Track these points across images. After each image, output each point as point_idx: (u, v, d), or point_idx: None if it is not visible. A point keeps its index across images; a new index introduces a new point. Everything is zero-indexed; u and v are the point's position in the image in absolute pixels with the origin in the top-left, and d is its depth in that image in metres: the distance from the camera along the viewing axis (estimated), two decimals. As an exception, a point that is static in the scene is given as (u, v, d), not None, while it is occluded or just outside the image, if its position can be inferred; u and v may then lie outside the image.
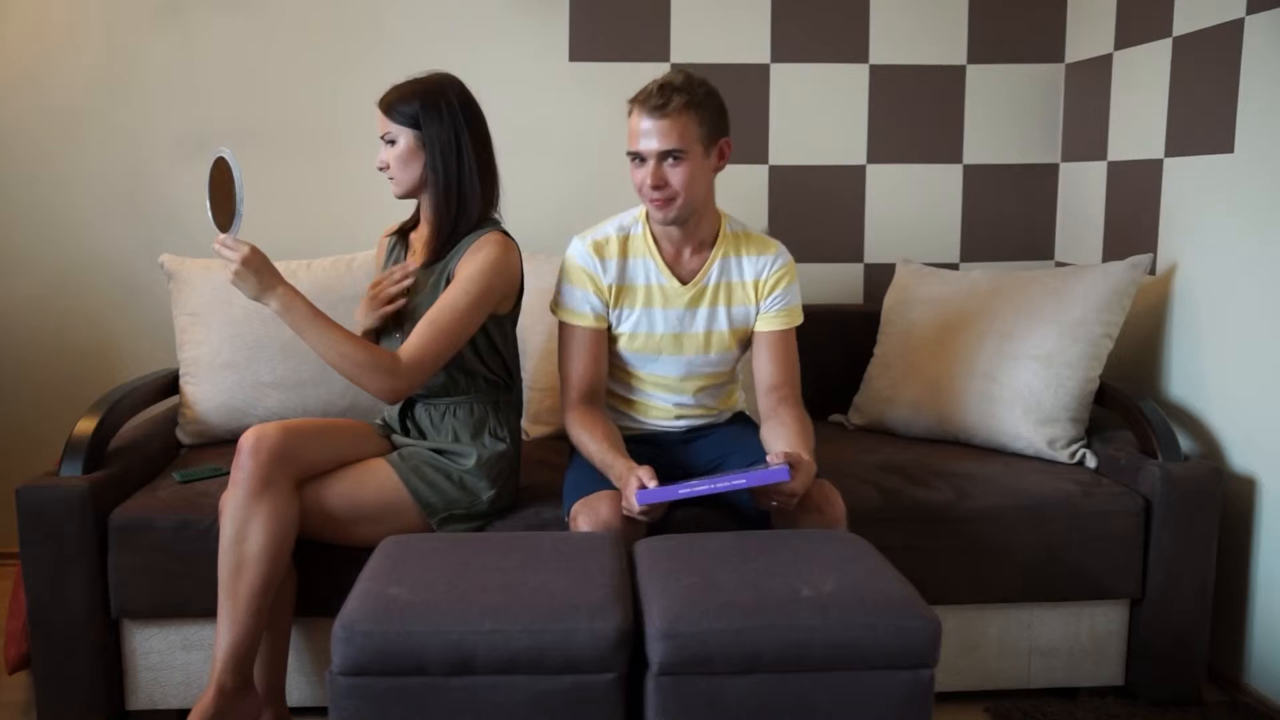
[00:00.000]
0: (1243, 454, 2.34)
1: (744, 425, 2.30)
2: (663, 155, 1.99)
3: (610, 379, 2.20)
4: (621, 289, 2.13)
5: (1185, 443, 2.46)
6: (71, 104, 2.92)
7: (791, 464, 1.83)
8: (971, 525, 2.20)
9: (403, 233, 2.26)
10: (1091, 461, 2.41)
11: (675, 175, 2.00)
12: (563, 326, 2.15)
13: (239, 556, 1.90)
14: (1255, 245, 2.29)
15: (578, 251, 2.13)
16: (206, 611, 2.07)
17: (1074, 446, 2.45)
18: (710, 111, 2.02)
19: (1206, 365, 2.45)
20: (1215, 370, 2.42)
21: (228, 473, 2.28)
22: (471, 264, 2.05)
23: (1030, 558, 2.22)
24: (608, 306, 2.13)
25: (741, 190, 3.05)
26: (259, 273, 1.94)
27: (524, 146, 2.97)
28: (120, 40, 2.90)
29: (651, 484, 1.86)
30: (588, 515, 1.94)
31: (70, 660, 2.09)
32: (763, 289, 2.15)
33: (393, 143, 2.08)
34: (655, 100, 1.99)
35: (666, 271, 2.12)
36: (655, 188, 2.01)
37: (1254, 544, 2.31)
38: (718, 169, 2.08)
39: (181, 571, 2.08)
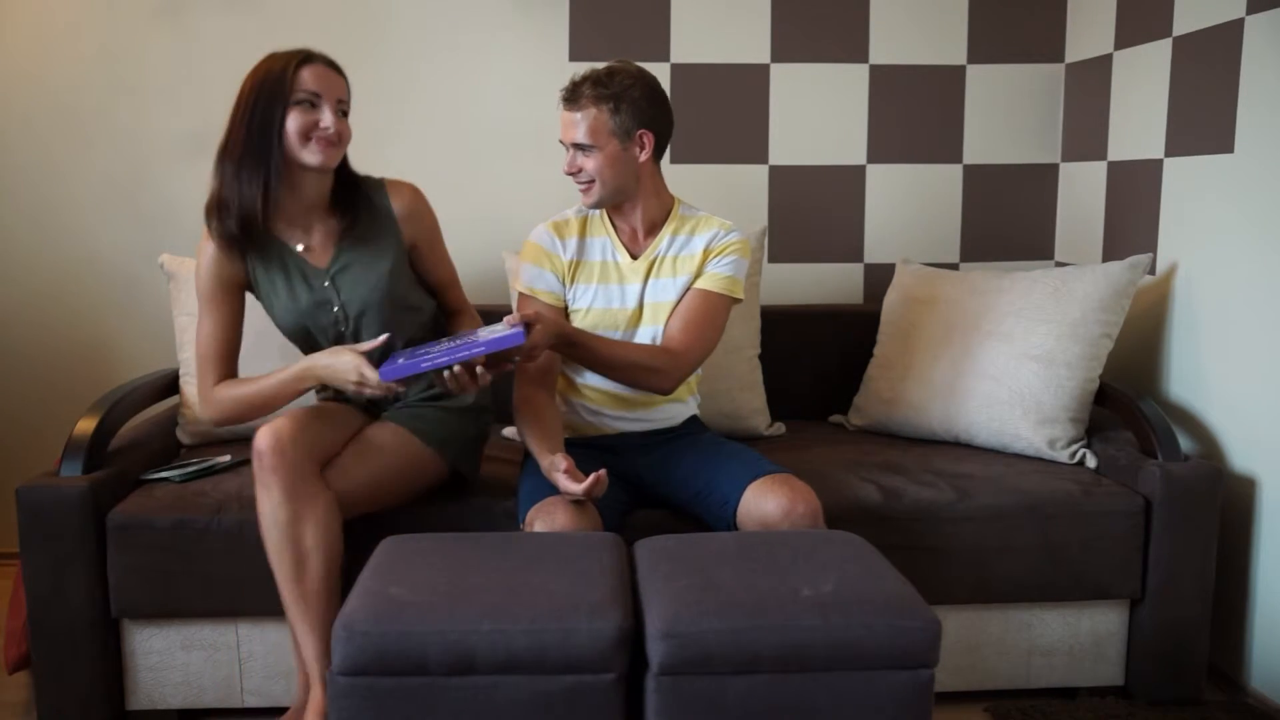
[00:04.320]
0: (1243, 454, 2.34)
1: (696, 435, 2.27)
2: (576, 145, 2.09)
3: (568, 368, 2.21)
4: (579, 264, 2.19)
5: (1185, 443, 2.46)
6: (72, 103, 2.92)
7: (528, 323, 1.88)
8: (971, 525, 2.20)
9: (251, 238, 2.07)
10: (1091, 461, 2.41)
11: (589, 164, 2.10)
12: (521, 298, 2.21)
13: (297, 555, 1.87)
14: (1255, 245, 2.29)
15: (539, 233, 2.22)
16: (207, 611, 2.07)
17: (1074, 446, 2.45)
18: (629, 104, 2.07)
19: (1206, 365, 2.45)
20: (1215, 370, 2.42)
21: (220, 469, 2.28)
22: (429, 222, 2.19)
23: (1030, 558, 2.21)
24: (564, 285, 2.19)
25: (742, 190, 3.05)
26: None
27: (524, 146, 2.98)
28: (120, 40, 2.91)
29: (565, 480, 1.89)
30: (544, 522, 1.91)
31: (70, 660, 2.09)
32: (710, 255, 2.18)
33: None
34: (566, 93, 2.10)
35: (622, 249, 2.19)
36: (572, 174, 2.12)
37: (1254, 544, 2.31)
38: (646, 158, 2.12)
39: (181, 571, 2.08)
